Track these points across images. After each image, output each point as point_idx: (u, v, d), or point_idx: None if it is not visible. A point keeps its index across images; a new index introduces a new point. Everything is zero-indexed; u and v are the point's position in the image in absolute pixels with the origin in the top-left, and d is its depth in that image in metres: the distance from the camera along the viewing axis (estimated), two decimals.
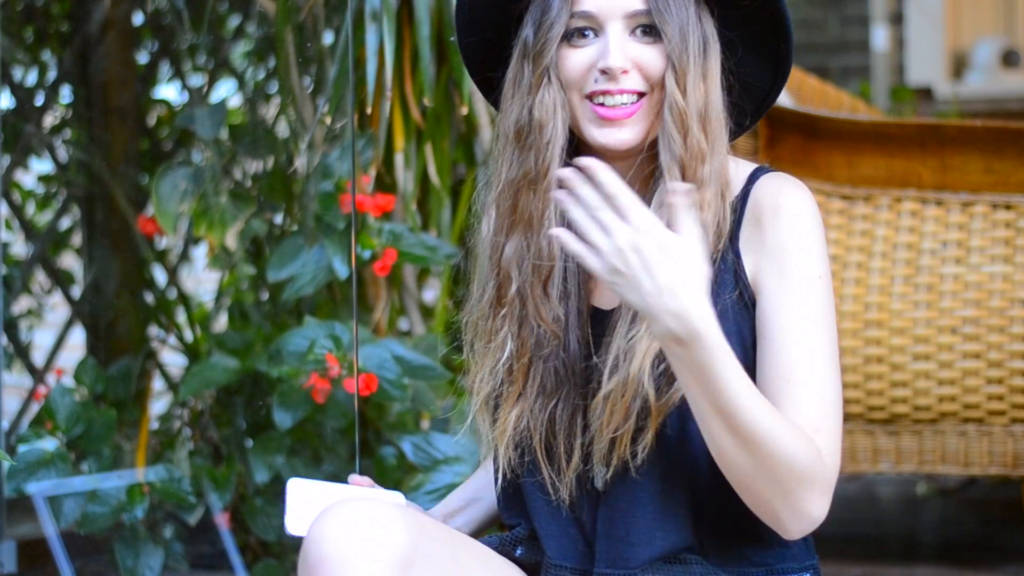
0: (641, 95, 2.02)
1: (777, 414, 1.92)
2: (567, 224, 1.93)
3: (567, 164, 2.03)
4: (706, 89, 2.02)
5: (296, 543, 3.34)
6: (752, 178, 2.06)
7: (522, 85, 2.07)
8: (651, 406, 1.98)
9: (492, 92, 2.16)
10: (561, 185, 1.89)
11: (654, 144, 2.05)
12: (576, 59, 2.04)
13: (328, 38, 3.57)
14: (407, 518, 1.91)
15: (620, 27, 2.02)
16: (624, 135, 2.02)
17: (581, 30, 2.04)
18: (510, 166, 2.08)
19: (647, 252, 1.84)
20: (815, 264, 2.00)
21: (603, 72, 2.01)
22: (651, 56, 2.02)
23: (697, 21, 2.03)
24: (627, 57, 2.01)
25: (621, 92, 2.01)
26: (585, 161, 1.86)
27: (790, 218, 2.01)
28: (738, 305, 2.02)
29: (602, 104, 2.02)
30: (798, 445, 1.92)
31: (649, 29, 2.03)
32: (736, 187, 2.06)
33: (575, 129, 2.07)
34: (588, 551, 2.06)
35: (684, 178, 2.00)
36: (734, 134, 2.09)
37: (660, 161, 2.02)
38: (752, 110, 2.12)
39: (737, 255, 2.03)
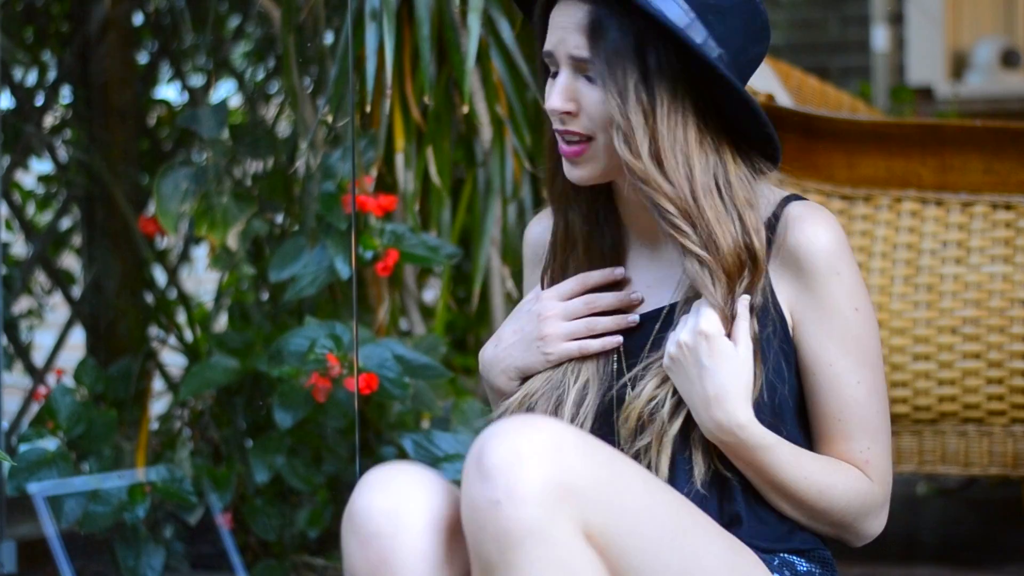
0: (589, 138, 1.99)
1: (826, 468, 2.01)
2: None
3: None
4: (664, 137, 1.94)
5: (295, 544, 3.34)
6: (783, 204, 2.03)
7: None
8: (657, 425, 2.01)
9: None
10: None
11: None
12: (547, 92, 2.03)
13: (328, 38, 3.57)
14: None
15: (570, 69, 1.99)
16: (578, 173, 2.02)
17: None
18: None
19: (701, 355, 1.94)
20: (851, 299, 2.01)
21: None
22: (594, 99, 1.98)
23: (642, 74, 1.94)
24: (571, 99, 1.98)
25: (567, 132, 2.00)
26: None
27: (824, 261, 2.00)
28: (779, 334, 2.02)
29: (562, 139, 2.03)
30: (851, 491, 2.03)
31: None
32: (766, 211, 2.02)
33: None
34: None
35: (673, 214, 1.96)
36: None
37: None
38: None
39: (769, 282, 2.02)
